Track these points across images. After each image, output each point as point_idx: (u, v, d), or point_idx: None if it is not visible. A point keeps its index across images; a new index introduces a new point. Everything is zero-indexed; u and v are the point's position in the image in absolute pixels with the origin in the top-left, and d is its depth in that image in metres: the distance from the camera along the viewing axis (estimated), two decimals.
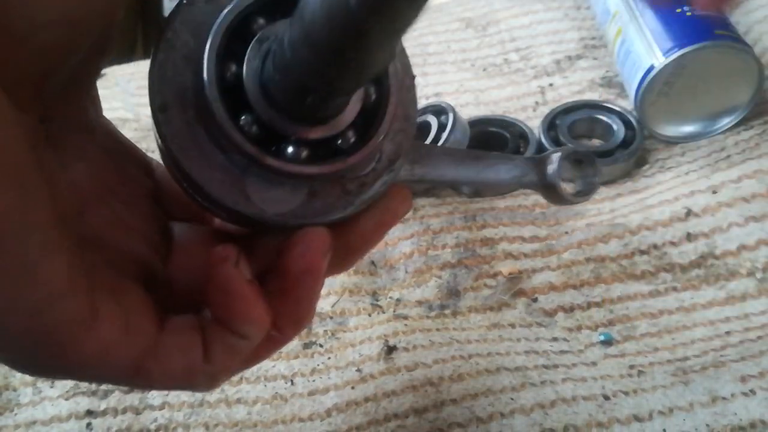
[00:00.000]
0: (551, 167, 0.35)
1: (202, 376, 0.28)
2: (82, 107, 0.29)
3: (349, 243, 0.30)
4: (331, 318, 0.51)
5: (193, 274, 0.30)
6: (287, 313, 0.29)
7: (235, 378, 0.47)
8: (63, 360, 0.24)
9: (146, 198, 0.31)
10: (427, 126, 0.61)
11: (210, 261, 0.27)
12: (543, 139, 0.60)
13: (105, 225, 0.28)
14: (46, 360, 0.24)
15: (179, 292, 0.30)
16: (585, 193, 0.35)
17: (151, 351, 0.27)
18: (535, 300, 0.51)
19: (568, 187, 0.35)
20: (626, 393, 0.42)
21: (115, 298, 0.26)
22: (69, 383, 0.48)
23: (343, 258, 0.30)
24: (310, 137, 0.27)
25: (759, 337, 0.45)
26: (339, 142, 0.28)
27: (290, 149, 0.27)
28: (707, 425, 0.40)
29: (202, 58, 0.26)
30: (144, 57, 0.77)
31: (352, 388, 0.45)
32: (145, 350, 0.26)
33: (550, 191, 0.35)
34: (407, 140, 0.31)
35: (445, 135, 0.58)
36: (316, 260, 0.28)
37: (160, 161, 0.31)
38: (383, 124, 0.28)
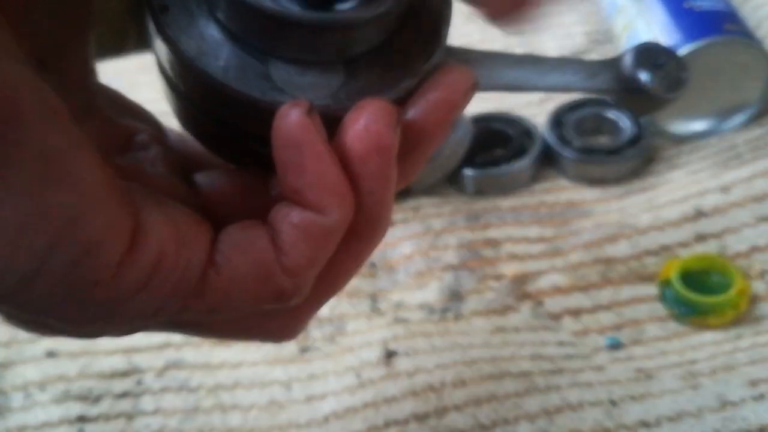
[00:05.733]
0: (627, 60, 0.30)
1: (281, 277, 0.24)
2: (80, 62, 0.26)
3: (412, 130, 0.25)
4: (329, 322, 0.50)
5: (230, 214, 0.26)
6: (361, 209, 0.24)
7: (230, 383, 0.47)
8: (106, 283, 0.21)
9: (163, 155, 0.28)
10: None
11: (279, 114, 0.23)
12: (548, 137, 0.60)
13: (126, 167, 0.26)
14: (85, 284, 0.21)
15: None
16: (675, 85, 0.30)
17: (210, 260, 0.23)
18: (541, 303, 0.50)
19: (651, 83, 0.30)
20: (634, 398, 0.42)
21: (160, 210, 0.23)
22: (60, 387, 0.47)
23: (409, 152, 0.25)
24: None
25: None
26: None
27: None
28: (716, 431, 0.40)
29: None
30: (136, 51, 0.75)
31: (351, 394, 0.45)
32: (204, 261, 0.23)
33: (632, 90, 0.30)
34: (447, 7, 0.27)
35: None
36: (386, 133, 0.23)
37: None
38: None
